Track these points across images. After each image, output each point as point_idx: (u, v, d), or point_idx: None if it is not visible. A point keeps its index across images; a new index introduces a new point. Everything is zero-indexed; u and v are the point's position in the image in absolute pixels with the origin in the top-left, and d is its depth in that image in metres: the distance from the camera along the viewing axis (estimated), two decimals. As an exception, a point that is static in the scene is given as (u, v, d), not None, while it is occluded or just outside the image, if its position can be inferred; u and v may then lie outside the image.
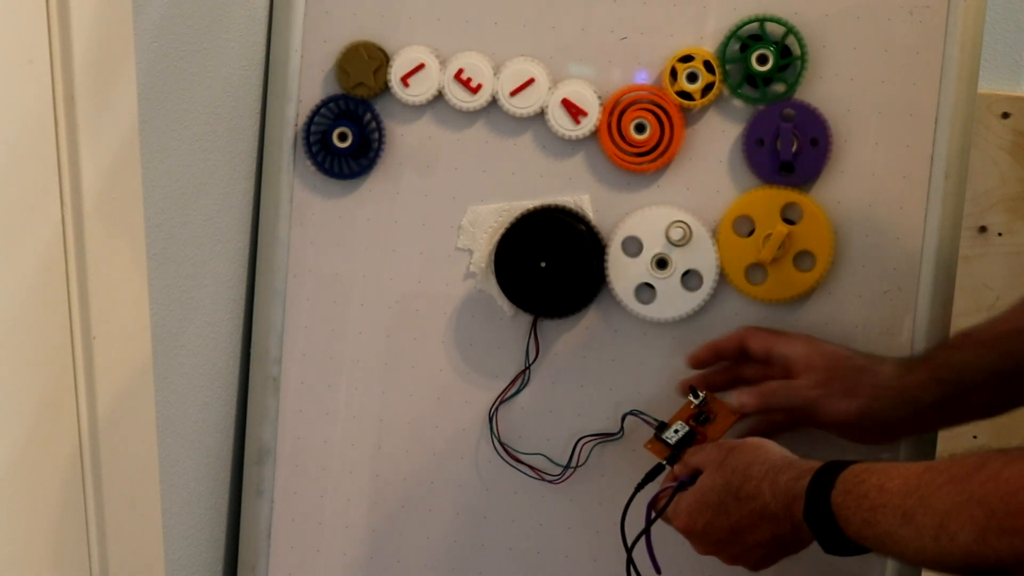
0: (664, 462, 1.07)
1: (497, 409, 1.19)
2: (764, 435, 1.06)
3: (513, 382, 1.19)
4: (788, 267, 1.13)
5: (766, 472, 0.96)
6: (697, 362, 1.12)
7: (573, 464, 1.17)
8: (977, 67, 1.12)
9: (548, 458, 1.18)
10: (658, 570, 1.02)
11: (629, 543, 1.04)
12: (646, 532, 1.02)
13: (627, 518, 1.05)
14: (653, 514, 1.03)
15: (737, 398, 1.08)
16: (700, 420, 1.09)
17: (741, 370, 1.11)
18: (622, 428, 1.15)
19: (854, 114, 1.12)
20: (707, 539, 0.99)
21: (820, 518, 0.90)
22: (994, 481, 0.79)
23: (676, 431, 1.08)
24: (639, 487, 1.07)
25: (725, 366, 1.13)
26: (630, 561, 1.04)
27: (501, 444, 1.19)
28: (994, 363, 1.03)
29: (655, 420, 1.10)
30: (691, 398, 1.09)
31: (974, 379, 1.03)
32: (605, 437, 1.17)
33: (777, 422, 1.10)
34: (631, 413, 1.13)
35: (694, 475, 1.01)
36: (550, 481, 1.18)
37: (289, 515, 1.23)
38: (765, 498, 0.95)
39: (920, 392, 1.04)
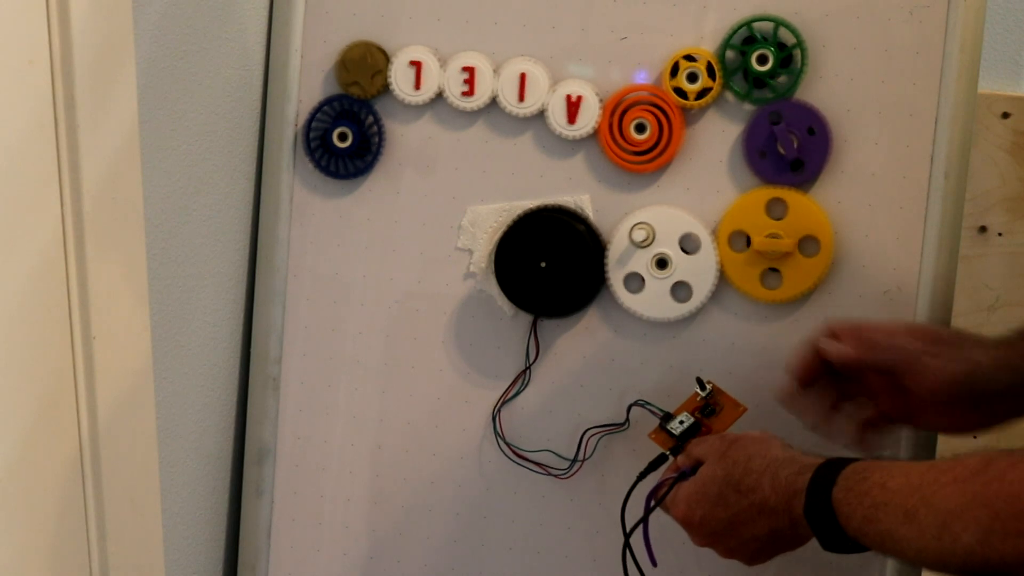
0: (668, 452, 1.07)
1: (500, 410, 1.19)
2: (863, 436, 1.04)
3: (514, 382, 1.19)
4: (798, 259, 1.12)
5: (767, 466, 0.96)
6: (806, 377, 1.04)
7: (580, 457, 1.17)
8: (977, 67, 1.12)
9: (556, 453, 1.18)
10: (653, 562, 1.02)
11: (628, 530, 1.04)
12: (644, 520, 1.02)
13: (628, 508, 1.05)
14: (652, 502, 1.03)
15: (832, 347, 1.01)
16: (706, 412, 1.09)
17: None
18: (628, 419, 1.15)
19: (854, 114, 1.12)
20: (704, 530, 0.99)
21: (820, 514, 0.90)
22: (999, 482, 0.79)
23: (681, 422, 1.08)
24: (641, 476, 1.07)
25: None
26: (627, 546, 1.04)
27: (507, 443, 1.19)
28: None
29: (660, 410, 1.10)
30: (698, 390, 1.09)
31: None
32: (611, 428, 1.16)
33: (871, 419, 1.05)
34: (636, 403, 1.13)
35: (696, 466, 1.01)
36: (557, 476, 1.18)
37: (289, 515, 1.23)
38: (765, 492, 0.95)
39: (1021, 362, 0.99)
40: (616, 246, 1.15)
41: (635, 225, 1.13)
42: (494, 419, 1.19)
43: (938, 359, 0.99)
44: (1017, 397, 1.00)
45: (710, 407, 1.09)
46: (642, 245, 1.13)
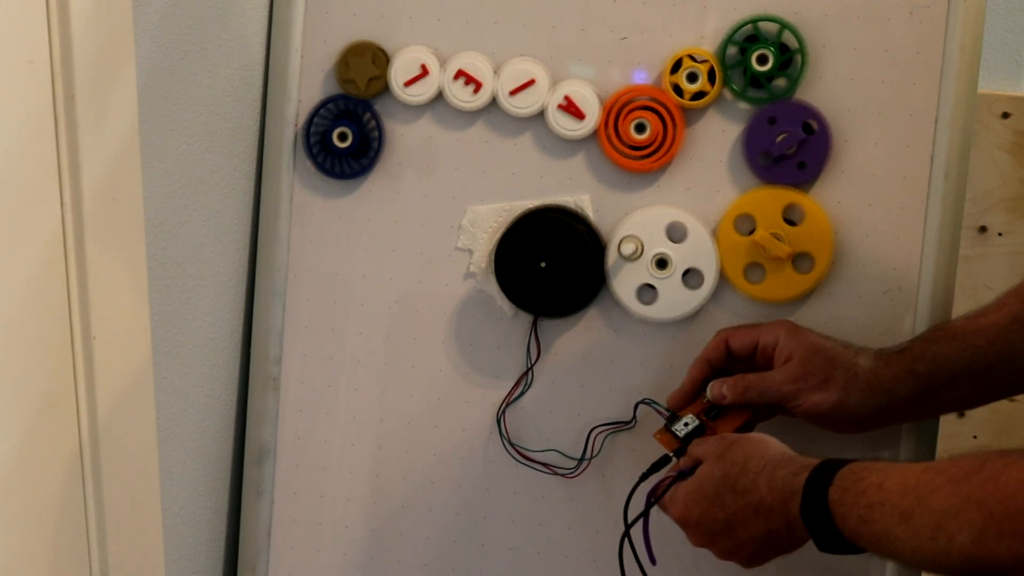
0: (671, 454, 1.07)
1: (504, 412, 1.19)
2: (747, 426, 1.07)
3: (517, 383, 1.19)
4: (787, 269, 1.13)
5: (764, 467, 0.96)
6: (693, 385, 1.11)
7: (587, 456, 1.17)
8: (977, 67, 1.12)
9: (562, 453, 1.18)
10: (652, 559, 1.02)
11: (628, 522, 1.04)
12: (644, 515, 1.03)
13: (630, 509, 1.05)
14: (652, 500, 1.03)
15: (716, 390, 1.08)
16: (711, 415, 1.09)
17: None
18: (635, 417, 1.15)
19: (854, 114, 1.12)
20: (701, 530, 0.99)
21: (816, 514, 0.90)
22: (993, 483, 0.79)
23: (686, 424, 1.08)
24: (644, 476, 1.07)
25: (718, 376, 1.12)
26: (626, 535, 1.04)
27: (512, 445, 1.19)
28: (968, 358, 1.02)
29: (667, 411, 1.10)
30: (704, 392, 1.09)
31: (948, 373, 1.03)
32: (618, 426, 1.16)
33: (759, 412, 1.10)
34: (643, 402, 1.13)
35: (695, 465, 1.02)
36: (564, 476, 1.18)
37: (289, 515, 1.23)
38: (761, 492, 0.95)
39: (894, 384, 1.04)
40: (616, 246, 1.15)
41: (623, 239, 1.13)
42: (498, 421, 1.19)
43: (807, 396, 1.05)
44: (892, 413, 1.05)
45: (716, 409, 1.09)
46: (632, 258, 1.13)
